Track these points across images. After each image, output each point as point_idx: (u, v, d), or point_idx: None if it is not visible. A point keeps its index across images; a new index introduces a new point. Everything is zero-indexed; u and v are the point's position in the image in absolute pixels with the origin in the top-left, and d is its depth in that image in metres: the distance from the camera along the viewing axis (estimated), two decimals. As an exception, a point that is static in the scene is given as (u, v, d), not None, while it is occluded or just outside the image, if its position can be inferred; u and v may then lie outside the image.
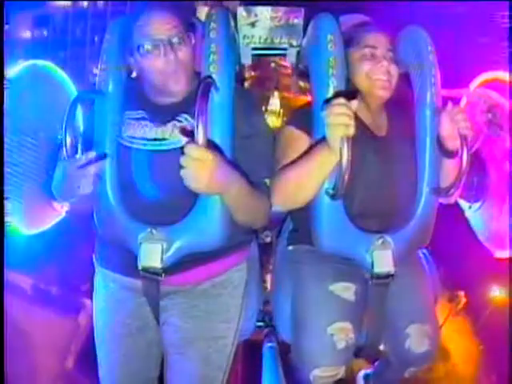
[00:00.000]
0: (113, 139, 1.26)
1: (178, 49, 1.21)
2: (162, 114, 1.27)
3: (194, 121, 1.02)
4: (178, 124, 1.26)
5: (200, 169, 1.01)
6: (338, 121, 1.10)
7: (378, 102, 1.41)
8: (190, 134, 1.11)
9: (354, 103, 1.12)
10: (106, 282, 1.36)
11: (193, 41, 1.27)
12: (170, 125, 1.26)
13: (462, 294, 2.09)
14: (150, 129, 1.26)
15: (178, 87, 1.24)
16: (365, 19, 1.56)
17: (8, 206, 1.69)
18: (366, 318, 1.41)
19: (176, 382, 1.30)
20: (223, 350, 1.33)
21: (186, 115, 1.26)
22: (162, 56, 1.20)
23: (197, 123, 1.01)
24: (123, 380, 1.34)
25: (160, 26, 1.20)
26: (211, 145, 1.06)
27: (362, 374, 1.78)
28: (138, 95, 1.30)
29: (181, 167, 1.01)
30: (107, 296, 1.36)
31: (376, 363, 1.68)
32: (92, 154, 1.18)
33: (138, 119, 1.28)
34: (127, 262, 1.25)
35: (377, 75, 1.35)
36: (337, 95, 1.23)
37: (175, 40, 1.20)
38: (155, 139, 1.26)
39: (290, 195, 1.28)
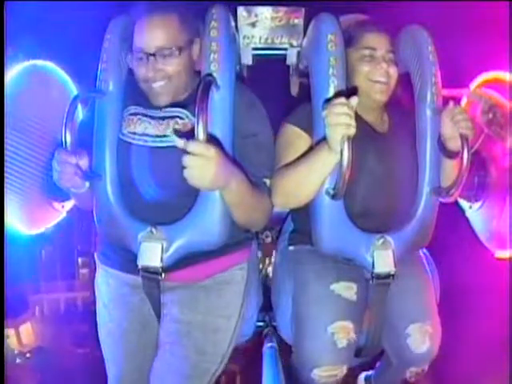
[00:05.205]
0: (113, 138, 1.26)
1: (168, 61, 1.21)
2: (164, 111, 1.27)
3: (195, 118, 1.02)
4: (180, 121, 1.26)
5: (205, 165, 1.00)
6: (339, 120, 1.09)
7: (376, 105, 1.41)
8: (190, 131, 1.11)
9: (354, 99, 1.11)
10: (106, 279, 1.37)
11: (196, 46, 1.28)
12: (171, 122, 1.26)
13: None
14: (152, 125, 1.27)
15: (161, 98, 1.25)
16: (365, 18, 1.56)
17: (8, 206, 1.68)
18: (366, 318, 1.41)
19: (166, 369, 1.27)
20: (220, 343, 1.32)
21: (187, 112, 1.26)
22: (149, 67, 1.21)
23: (197, 120, 1.01)
24: (130, 374, 1.34)
25: (153, 36, 1.20)
26: (211, 141, 1.06)
27: (362, 374, 1.77)
28: (139, 92, 1.30)
29: (184, 167, 1.01)
30: (109, 293, 1.36)
31: (377, 363, 1.68)
32: (84, 155, 1.16)
33: (139, 115, 1.28)
34: (127, 260, 1.26)
35: (376, 77, 1.35)
36: (337, 95, 1.23)
37: (166, 52, 1.20)
38: (157, 136, 1.26)
39: (290, 194, 1.28)
